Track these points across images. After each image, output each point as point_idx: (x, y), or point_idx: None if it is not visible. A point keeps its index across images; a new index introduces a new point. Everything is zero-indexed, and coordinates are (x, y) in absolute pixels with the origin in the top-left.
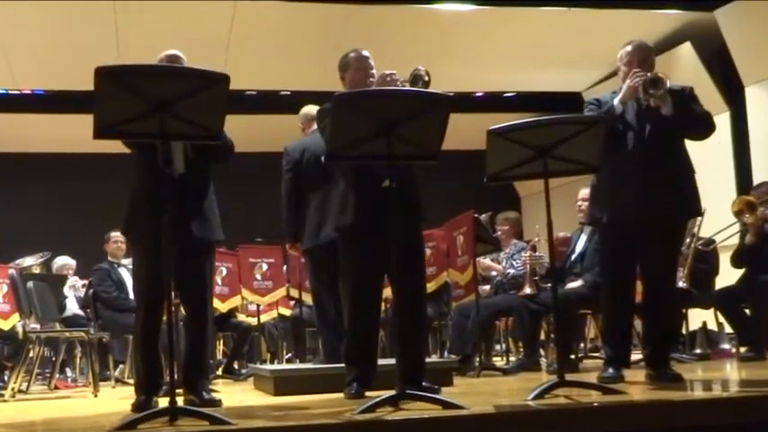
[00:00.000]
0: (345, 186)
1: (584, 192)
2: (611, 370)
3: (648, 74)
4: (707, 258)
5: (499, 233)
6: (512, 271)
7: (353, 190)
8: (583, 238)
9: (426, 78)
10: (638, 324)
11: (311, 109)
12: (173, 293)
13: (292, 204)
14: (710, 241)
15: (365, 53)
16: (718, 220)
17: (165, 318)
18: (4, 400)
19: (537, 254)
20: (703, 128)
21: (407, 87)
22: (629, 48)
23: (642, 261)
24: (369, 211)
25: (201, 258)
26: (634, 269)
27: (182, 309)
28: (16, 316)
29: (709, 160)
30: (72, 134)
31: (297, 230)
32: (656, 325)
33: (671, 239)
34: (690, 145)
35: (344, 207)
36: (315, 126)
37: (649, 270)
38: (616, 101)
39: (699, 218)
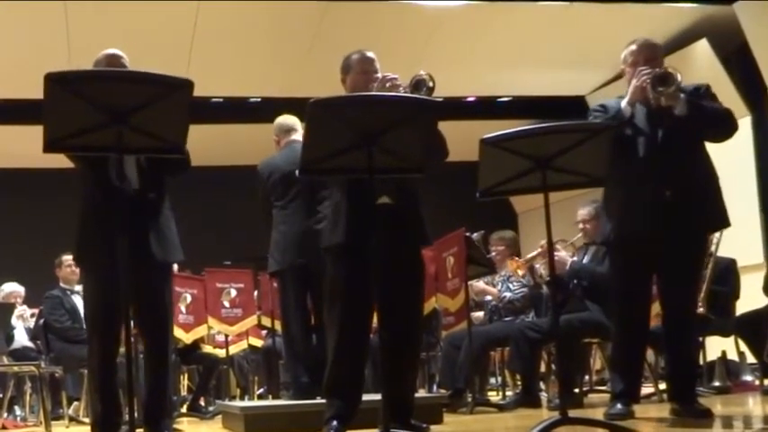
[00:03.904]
0: (339, 199)
1: (583, 212)
2: (619, 405)
3: (656, 70)
4: (726, 280)
5: (494, 254)
6: (508, 294)
7: (345, 205)
8: (586, 260)
9: (431, 84)
10: (649, 355)
11: (286, 119)
12: (131, 322)
13: (267, 222)
14: None
15: (370, 55)
16: (738, 235)
17: (122, 349)
18: None
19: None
20: (722, 127)
21: (410, 94)
22: (633, 47)
23: (659, 283)
24: (362, 229)
25: (161, 282)
26: (649, 293)
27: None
28: None
29: (729, 170)
30: (19, 147)
31: None
32: (681, 354)
33: (691, 257)
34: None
35: (335, 224)
36: (291, 137)
37: (668, 293)
38: (623, 103)
39: (717, 234)
